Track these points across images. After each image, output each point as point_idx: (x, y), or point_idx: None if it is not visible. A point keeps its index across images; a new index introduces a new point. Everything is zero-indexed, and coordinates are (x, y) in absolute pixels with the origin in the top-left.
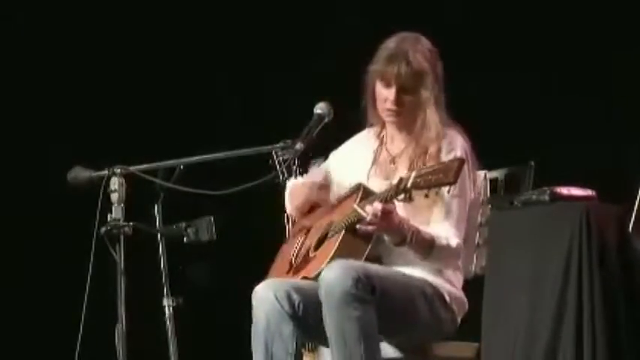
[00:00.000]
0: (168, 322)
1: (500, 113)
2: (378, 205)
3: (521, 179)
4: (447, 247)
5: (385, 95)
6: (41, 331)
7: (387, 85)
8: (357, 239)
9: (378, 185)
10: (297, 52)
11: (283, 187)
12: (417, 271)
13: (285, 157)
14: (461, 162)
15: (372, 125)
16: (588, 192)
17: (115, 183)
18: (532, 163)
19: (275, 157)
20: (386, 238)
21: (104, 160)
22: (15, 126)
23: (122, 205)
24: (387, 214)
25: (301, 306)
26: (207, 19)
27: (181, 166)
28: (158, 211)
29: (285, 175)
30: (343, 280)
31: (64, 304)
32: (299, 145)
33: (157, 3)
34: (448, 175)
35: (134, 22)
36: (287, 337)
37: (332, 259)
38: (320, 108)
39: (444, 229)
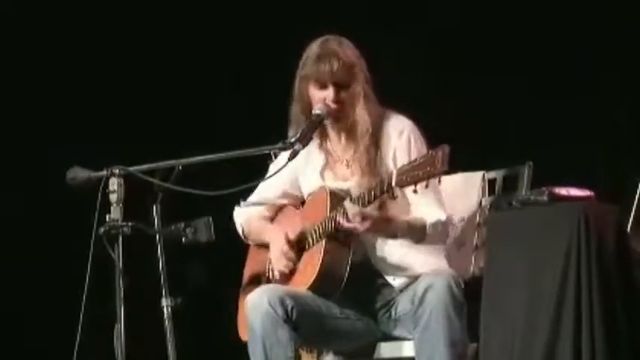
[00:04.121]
0: (166, 322)
1: (498, 114)
2: (357, 217)
3: (520, 180)
4: (438, 222)
5: (320, 97)
6: (40, 331)
7: (323, 87)
8: (339, 246)
9: (335, 188)
10: (296, 52)
11: None
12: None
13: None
14: (443, 150)
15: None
16: (586, 192)
17: (113, 183)
18: (530, 163)
19: (274, 157)
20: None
21: (103, 161)
22: (14, 126)
23: (121, 205)
24: (367, 219)
25: (295, 311)
26: (207, 19)
27: (180, 167)
28: (157, 211)
29: None
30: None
31: (62, 304)
32: (298, 146)
33: (155, 3)
34: (436, 165)
35: (133, 23)
36: (285, 342)
37: (320, 269)
38: (318, 108)
39: (429, 209)
